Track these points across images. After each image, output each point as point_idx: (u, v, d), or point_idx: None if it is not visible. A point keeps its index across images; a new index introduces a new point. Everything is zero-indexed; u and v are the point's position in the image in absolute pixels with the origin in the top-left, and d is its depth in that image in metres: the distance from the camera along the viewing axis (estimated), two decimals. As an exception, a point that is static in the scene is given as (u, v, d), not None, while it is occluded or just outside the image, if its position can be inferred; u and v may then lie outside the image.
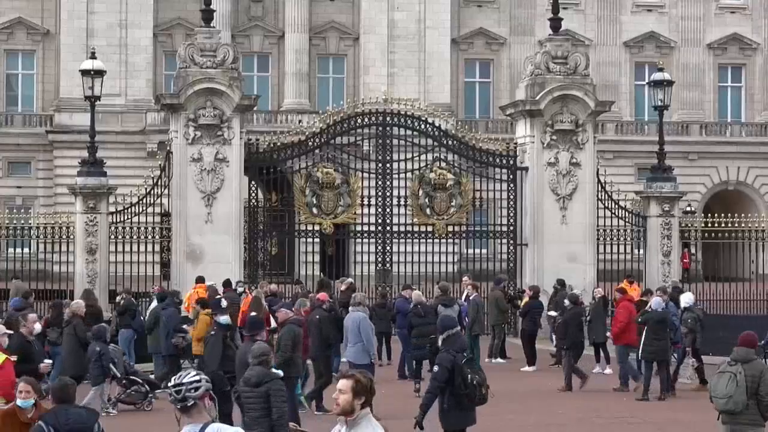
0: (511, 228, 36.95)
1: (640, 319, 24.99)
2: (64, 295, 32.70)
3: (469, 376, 14.75)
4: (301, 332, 20.52)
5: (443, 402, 14.97)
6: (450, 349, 15.16)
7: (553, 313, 29.89)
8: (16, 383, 13.90)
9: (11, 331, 19.09)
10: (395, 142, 36.86)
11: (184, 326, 24.84)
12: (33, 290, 34.30)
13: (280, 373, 14.61)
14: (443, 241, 37.48)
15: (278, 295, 30.96)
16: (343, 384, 8.50)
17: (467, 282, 30.51)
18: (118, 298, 30.40)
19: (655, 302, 25.19)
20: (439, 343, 15.59)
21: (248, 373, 14.14)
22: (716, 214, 39.80)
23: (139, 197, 35.07)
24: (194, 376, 8.52)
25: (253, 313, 21.37)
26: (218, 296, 27.76)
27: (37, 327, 18.11)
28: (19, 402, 12.06)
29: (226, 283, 30.55)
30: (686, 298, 28.02)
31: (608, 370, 28.17)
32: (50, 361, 17.07)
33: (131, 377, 22.96)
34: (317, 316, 22.79)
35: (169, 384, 8.58)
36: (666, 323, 24.64)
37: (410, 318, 25.60)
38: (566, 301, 27.41)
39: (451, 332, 15.39)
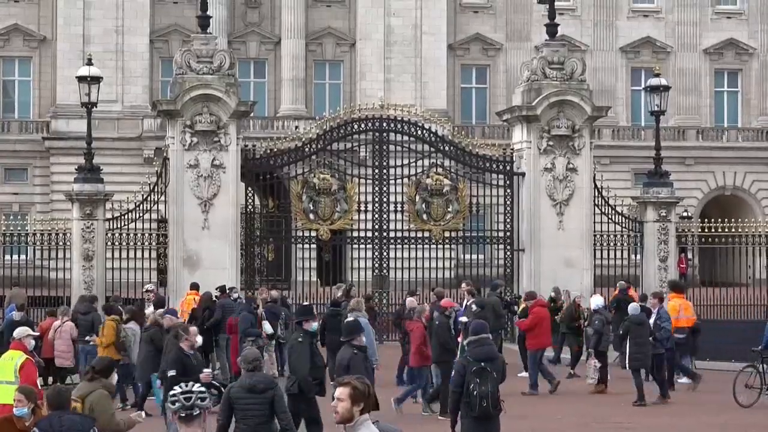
0: (508, 233, 36.95)
1: (621, 331, 25.14)
2: (61, 301, 32.66)
3: (472, 385, 14.59)
4: None
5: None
6: (468, 356, 15.09)
7: (464, 319, 29.92)
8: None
9: (37, 334, 19.08)
10: (392, 147, 36.85)
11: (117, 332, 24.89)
12: (30, 297, 34.35)
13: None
14: (440, 246, 37.50)
15: (278, 301, 30.87)
16: (341, 392, 8.46)
17: (465, 289, 30.47)
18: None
19: (632, 307, 25.48)
20: (465, 346, 15.53)
21: (250, 379, 13.69)
22: (713, 220, 39.82)
23: (135, 203, 35.07)
24: (201, 386, 8.49)
25: (351, 318, 21.22)
26: (307, 303, 27.43)
27: (199, 340, 17.86)
28: (14, 410, 12.05)
29: (222, 290, 30.51)
30: (596, 301, 28.27)
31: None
32: (209, 370, 16.75)
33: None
34: (437, 322, 23.18)
35: (176, 391, 8.53)
36: (645, 326, 24.80)
37: (403, 324, 25.63)
38: (474, 306, 27.51)
39: (474, 338, 15.20)
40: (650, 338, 24.79)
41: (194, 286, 31.02)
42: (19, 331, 17.27)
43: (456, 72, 67.44)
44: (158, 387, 19.68)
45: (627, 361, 24.67)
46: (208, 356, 26.65)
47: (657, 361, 25.81)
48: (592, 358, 26.70)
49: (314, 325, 18.39)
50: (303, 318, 17.26)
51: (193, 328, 18.22)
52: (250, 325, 25.55)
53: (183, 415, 8.34)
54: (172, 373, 16.92)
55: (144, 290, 31.93)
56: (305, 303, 21.30)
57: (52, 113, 63.12)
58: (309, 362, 17.19)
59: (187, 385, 8.51)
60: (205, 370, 16.75)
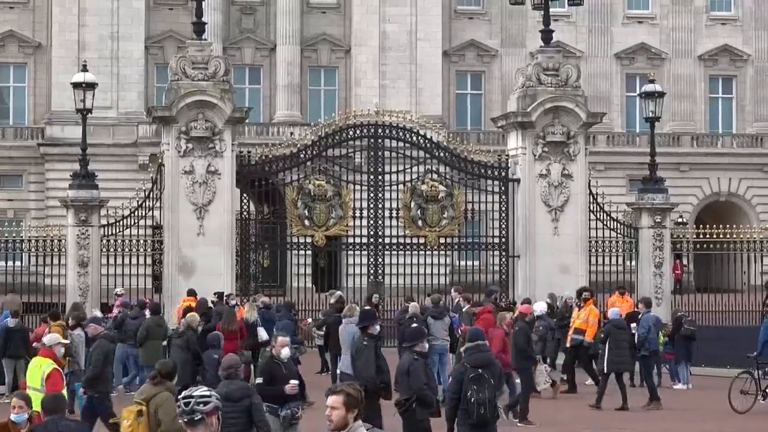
0: (503, 240, 36.96)
1: (602, 335, 25.26)
2: (55, 308, 32.58)
3: (470, 392, 14.54)
4: (113, 348, 20.34)
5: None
6: (465, 362, 15.08)
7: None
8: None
9: (67, 341, 19.00)
10: (387, 154, 36.88)
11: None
12: (24, 303, 34.29)
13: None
14: (435, 253, 37.50)
15: (270, 307, 30.84)
16: (334, 400, 8.45)
17: (456, 295, 30.45)
18: (115, 311, 30.29)
19: (612, 312, 25.65)
20: (462, 353, 15.54)
21: (226, 388, 13.59)
22: (708, 226, 39.87)
23: (130, 210, 35.05)
24: (205, 390, 8.49)
25: (415, 324, 21.25)
26: (368, 307, 27.28)
27: (285, 351, 17.48)
28: (12, 417, 12.03)
29: (220, 296, 30.50)
30: (539, 307, 28.35)
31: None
32: (296, 382, 16.42)
33: None
34: (516, 328, 23.25)
35: (179, 396, 8.56)
36: (626, 331, 24.95)
37: (403, 331, 25.59)
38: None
39: (470, 345, 15.20)
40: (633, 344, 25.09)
41: (191, 293, 30.99)
42: (50, 338, 16.99)
43: (451, 78, 67.46)
44: (80, 395, 19.60)
45: (604, 364, 24.72)
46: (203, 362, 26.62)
47: (645, 365, 25.99)
48: (541, 364, 26.75)
49: (377, 329, 18.40)
50: (367, 323, 17.32)
51: (282, 339, 17.88)
52: (291, 333, 25.39)
53: (186, 419, 8.37)
54: (259, 380, 16.79)
55: (115, 293, 31.92)
56: (367, 308, 21.36)
57: (47, 119, 63.07)
58: (374, 366, 17.24)
59: (189, 390, 8.52)
60: (292, 381, 16.33)
